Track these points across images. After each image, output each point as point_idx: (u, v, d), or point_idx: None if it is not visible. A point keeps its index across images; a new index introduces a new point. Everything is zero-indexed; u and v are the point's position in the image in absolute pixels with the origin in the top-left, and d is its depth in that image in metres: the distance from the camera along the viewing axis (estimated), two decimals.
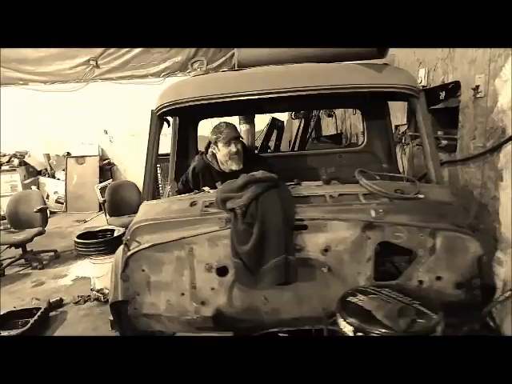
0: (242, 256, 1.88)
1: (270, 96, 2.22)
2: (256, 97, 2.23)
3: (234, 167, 2.64)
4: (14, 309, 3.64)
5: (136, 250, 1.99)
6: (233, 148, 2.59)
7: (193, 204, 2.10)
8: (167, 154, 3.37)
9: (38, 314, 3.45)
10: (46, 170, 8.44)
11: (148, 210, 2.24)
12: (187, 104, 2.30)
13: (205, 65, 2.48)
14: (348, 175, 2.40)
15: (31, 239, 5.06)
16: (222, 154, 2.63)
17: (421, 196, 2.01)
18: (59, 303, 3.86)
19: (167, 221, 2.05)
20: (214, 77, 2.49)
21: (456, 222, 1.97)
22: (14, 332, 3.19)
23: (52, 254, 5.35)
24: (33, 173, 8.20)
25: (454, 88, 2.73)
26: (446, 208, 2.03)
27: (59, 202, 8.22)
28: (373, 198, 2.02)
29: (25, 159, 8.10)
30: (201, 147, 3.16)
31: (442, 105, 3.00)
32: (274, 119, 4.70)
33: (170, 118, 2.61)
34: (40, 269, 4.98)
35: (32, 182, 8.02)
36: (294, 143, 5.15)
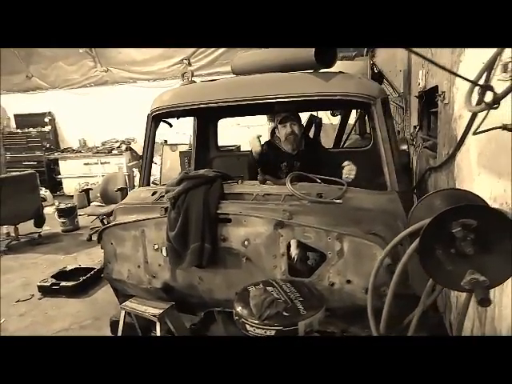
0: (171, 240, 2.24)
1: (228, 104, 2.51)
2: (219, 104, 2.55)
3: (289, 149, 2.80)
4: (78, 266, 4.62)
5: (106, 226, 2.53)
6: (288, 129, 2.74)
7: (153, 194, 2.53)
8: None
9: (91, 272, 4.35)
10: None
11: (131, 195, 2.76)
12: (168, 110, 2.75)
13: (190, 76, 2.86)
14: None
15: (112, 213, 6.13)
16: (281, 133, 2.81)
17: (338, 201, 2.09)
18: None
19: (132, 206, 2.53)
20: (192, 87, 2.85)
21: (368, 228, 2.01)
22: (70, 283, 4.12)
23: None
24: (136, 157, 9.63)
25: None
26: (362, 214, 2.06)
27: (154, 184, 9.49)
28: (294, 199, 2.17)
29: (130, 145, 9.57)
30: None
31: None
32: (311, 116, 4.77)
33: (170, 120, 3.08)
34: None
35: (134, 165, 9.43)
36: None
